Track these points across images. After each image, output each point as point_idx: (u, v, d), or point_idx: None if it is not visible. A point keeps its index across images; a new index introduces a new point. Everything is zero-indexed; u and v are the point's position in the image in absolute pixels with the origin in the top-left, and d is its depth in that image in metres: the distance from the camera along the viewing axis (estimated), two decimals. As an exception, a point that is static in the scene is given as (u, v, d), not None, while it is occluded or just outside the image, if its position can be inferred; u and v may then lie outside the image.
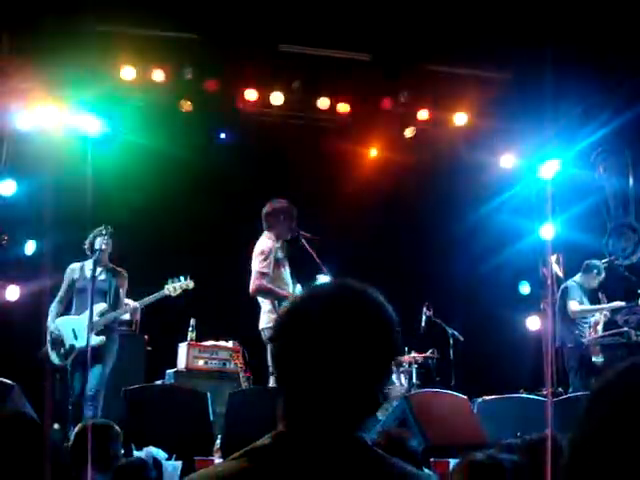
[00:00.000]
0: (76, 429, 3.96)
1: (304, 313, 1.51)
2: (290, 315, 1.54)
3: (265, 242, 6.46)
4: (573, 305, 7.97)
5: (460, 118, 9.75)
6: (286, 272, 6.48)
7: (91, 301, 6.09)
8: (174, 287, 6.69)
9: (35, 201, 8.74)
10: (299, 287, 6.43)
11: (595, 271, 8.19)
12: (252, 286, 6.28)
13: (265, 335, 6.36)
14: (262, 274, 6.27)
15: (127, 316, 6.90)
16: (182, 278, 6.82)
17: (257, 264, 6.30)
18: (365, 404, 1.48)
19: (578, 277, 8.22)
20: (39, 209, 8.68)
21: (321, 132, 9.72)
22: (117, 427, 3.84)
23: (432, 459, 4.74)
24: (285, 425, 1.48)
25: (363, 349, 1.46)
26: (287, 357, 1.49)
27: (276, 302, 6.22)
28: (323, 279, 6.50)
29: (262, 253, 6.33)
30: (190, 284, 6.77)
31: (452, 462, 4.75)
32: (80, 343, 6.37)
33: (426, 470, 3.98)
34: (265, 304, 6.37)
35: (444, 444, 4.97)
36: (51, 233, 8.46)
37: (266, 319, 6.32)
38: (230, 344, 8.18)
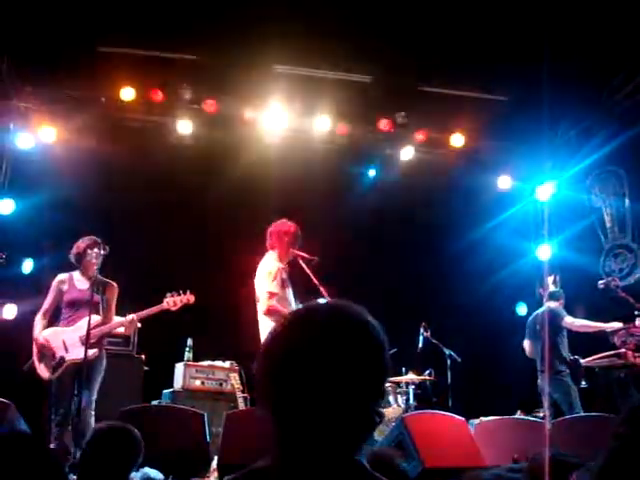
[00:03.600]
0: (89, 436, 3.81)
1: (295, 334, 1.53)
2: (281, 335, 1.55)
3: (271, 262, 6.48)
4: (571, 319, 7.96)
5: (457, 139, 9.82)
6: (289, 293, 6.50)
7: (89, 312, 5.98)
8: (174, 301, 6.53)
9: (33, 220, 8.79)
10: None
11: (561, 298, 8.29)
12: (264, 307, 6.25)
13: None
14: (272, 294, 6.28)
15: (122, 329, 6.64)
16: (182, 292, 6.71)
17: (266, 284, 6.30)
18: (360, 423, 1.49)
19: (551, 304, 8.28)
20: (37, 228, 8.75)
21: (319, 152, 9.76)
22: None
23: (430, 482, 4.73)
24: (281, 447, 1.49)
25: (354, 368, 1.48)
26: (277, 378, 1.49)
27: None
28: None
29: (270, 274, 6.34)
30: (191, 298, 6.62)
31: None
32: (71, 355, 6.22)
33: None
34: (268, 326, 6.34)
35: (441, 466, 4.96)
36: (48, 252, 8.55)
37: None
38: (227, 364, 8.18)
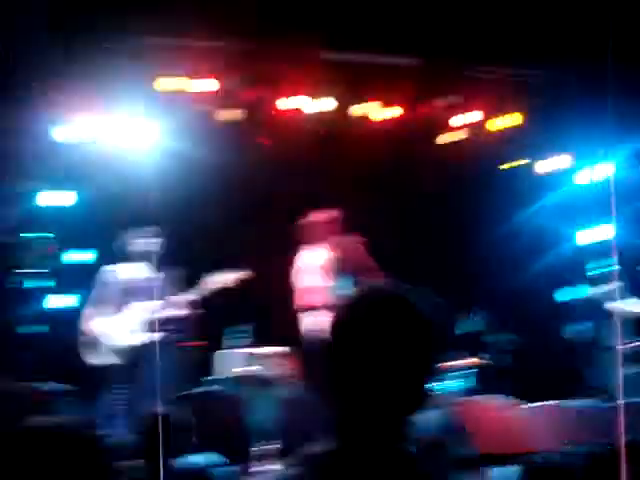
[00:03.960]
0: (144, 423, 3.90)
1: (351, 318, 1.59)
2: (339, 322, 1.61)
3: (322, 254, 6.51)
4: (618, 304, 7.84)
5: (505, 120, 9.70)
6: (334, 282, 6.55)
7: (145, 299, 6.13)
8: (228, 278, 6.62)
9: (92, 210, 8.95)
10: None
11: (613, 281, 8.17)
12: (324, 301, 6.27)
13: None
14: (329, 288, 6.33)
15: (180, 313, 6.75)
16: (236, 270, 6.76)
17: (321, 278, 6.33)
18: (411, 402, 1.55)
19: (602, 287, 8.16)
20: (97, 218, 8.91)
21: (366, 139, 9.72)
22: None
23: (482, 468, 4.74)
24: (339, 430, 1.55)
25: (407, 346, 1.54)
26: (338, 361, 1.56)
27: None
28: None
29: (322, 267, 6.38)
30: (247, 274, 6.72)
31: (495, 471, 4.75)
32: (131, 341, 6.39)
33: None
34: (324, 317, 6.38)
35: (494, 452, 4.97)
36: (108, 241, 8.71)
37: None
38: (280, 349, 8.23)
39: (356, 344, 1.54)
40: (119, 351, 6.35)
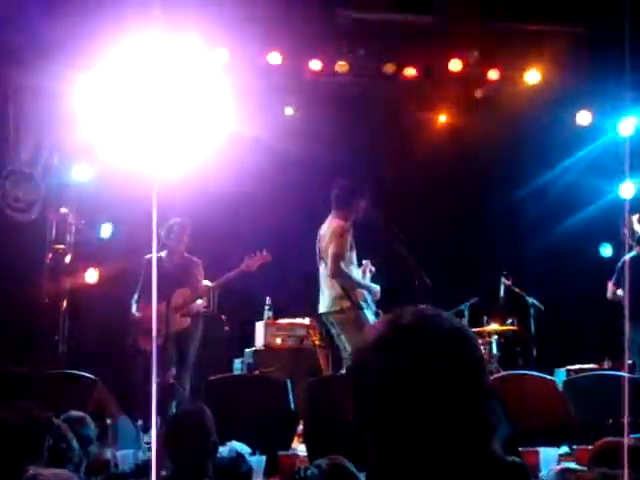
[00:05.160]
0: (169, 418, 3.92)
1: (386, 349, 1.41)
2: (372, 352, 1.44)
3: (338, 223, 6.39)
4: None
5: (532, 76, 9.38)
6: (354, 255, 6.45)
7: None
8: (252, 262, 6.70)
9: (110, 185, 8.87)
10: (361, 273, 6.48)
11: None
12: (332, 268, 6.22)
13: (329, 319, 6.38)
14: (341, 257, 6.23)
15: (202, 302, 7.02)
16: (258, 252, 6.83)
17: (334, 246, 6.24)
18: (474, 430, 1.39)
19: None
20: (114, 193, 8.83)
21: (387, 99, 9.49)
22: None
23: (521, 448, 4.64)
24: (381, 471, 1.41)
25: (454, 378, 1.37)
26: (373, 398, 1.40)
27: (350, 290, 6.21)
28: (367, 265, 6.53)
29: (341, 236, 6.27)
30: (268, 257, 6.79)
31: (542, 451, 4.66)
32: (169, 328, 6.45)
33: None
34: (334, 288, 6.31)
35: (531, 430, 4.86)
36: (126, 217, 8.64)
37: (332, 303, 6.30)
38: (307, 321, 8.19)
39: (403, 380, 1.35)
40: (163, 336, 6.43)
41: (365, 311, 6.29)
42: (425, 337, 1.40)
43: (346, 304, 6.20)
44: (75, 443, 3.84)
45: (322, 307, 6.45)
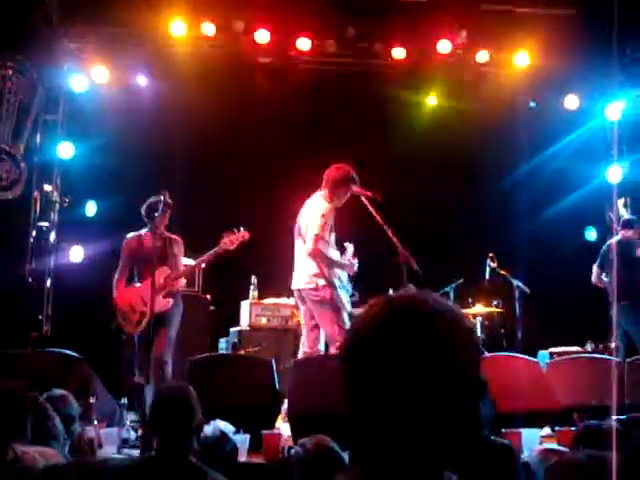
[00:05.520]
0: (152, 399, 3.87)
1: (383, 331, 1.39)
2: (359, 337, 1.43)
3: (323, 204, 6.38)
4: None
5: (522, 58, 9.36)
6: (332, 238, 6.46)
7: (159, 266, 6.12)
8: (230, 240, 6.60)
9: (94, 162, 8.81)
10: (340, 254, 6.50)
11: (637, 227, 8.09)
12: (312, 247, 6.22)
13: (302, 295, 6.37)
14: (321, 237, 6.23)
15: (184, 281, 6.93)
16: (236, 230, 6.73)
17: (316, 227, 6.23)
18: (461, 425, 1.38)
19: (626, 232, 8.06)
20: (98, 170, 8.77)
21: (376, 80, 9.44)
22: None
23: (503, 429, 4.66)
24: (364, 461, 1.40)
25: (444, 363, 1.36)
26: (360, 384, 1.39)
27: (326, 269, 6.21)
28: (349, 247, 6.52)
29: (323, 216, 6.26)
30: (246, 235, 6.67)
31: (524, 432, 4.68)
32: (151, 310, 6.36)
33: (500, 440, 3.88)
34: (310, 266, 6.31)
35: (515, 411, 4.89)
36: (111, 194, 8.59)
37: (306, 280, 6.30)
38: (292, 301, 8.18)
39: (386, 366, 1.35)
40: (145, 317, 6.33)
41: (339, 290, 6.30)
42: (423, 320, 1.38)
43: (321, 282, 6.22)
44: (58, 422, 3.84)
45: (296, 283, 6.44)
